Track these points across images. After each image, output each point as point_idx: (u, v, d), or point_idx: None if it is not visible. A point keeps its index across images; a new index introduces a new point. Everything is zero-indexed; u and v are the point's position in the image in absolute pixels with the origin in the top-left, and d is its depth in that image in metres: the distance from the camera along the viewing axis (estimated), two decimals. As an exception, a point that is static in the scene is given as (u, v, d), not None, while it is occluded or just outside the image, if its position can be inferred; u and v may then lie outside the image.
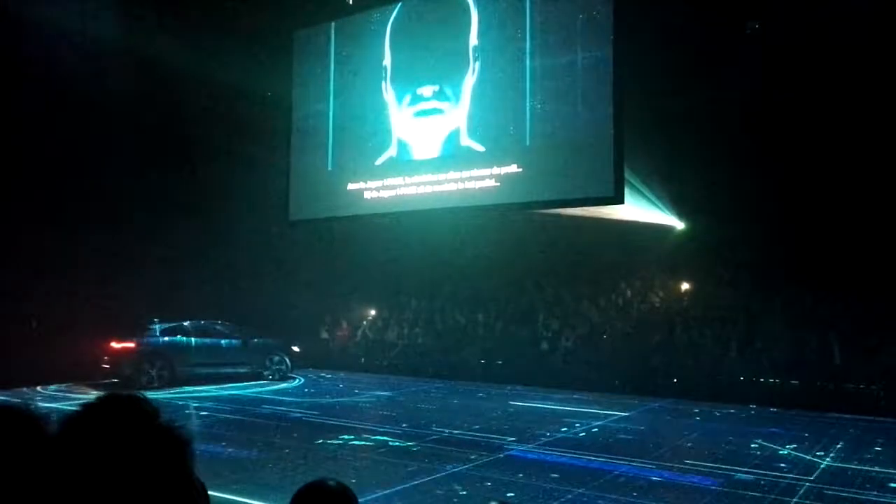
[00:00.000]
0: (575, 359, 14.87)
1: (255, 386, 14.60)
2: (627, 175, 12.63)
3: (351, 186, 14.74)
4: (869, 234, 12.25)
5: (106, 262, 14.44)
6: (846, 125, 12.36)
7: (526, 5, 12.60)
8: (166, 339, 14.29)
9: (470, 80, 13.17)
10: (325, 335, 18.50)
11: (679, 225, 15.92)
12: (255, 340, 15.34)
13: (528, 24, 12.58)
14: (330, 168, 15.21)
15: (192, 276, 15.60)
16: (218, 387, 14.08)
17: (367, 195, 14.53)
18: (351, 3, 15.06)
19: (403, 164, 14.08)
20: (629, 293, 16.22)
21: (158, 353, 13.97)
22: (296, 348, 16.04)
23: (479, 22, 13.15)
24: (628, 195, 12.70)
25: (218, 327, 15.33)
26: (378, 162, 14.40)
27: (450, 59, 13.46)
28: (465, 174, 13.16)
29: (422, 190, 13.75)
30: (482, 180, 12.95)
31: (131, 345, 13.68)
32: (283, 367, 15.60)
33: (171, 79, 14.52)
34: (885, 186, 12.23)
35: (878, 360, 12.06)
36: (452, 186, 13.34)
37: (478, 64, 13.11)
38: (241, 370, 14.97)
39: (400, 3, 14.27)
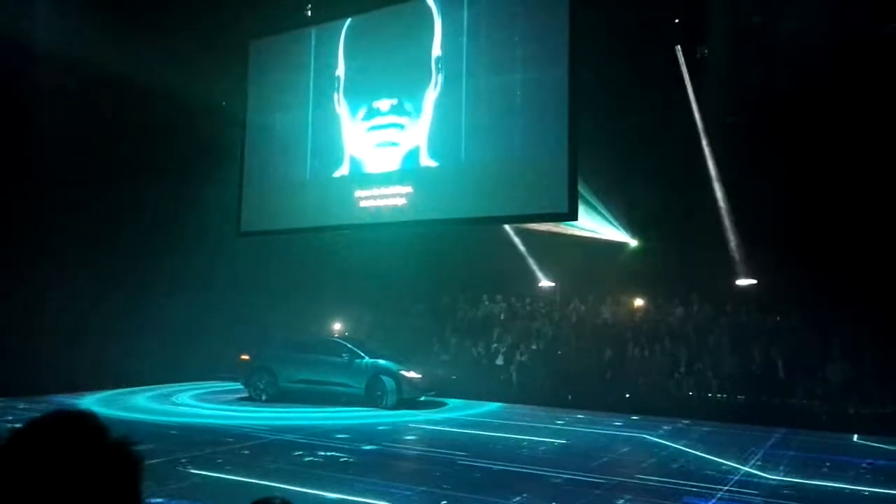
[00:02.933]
0: (529, 373, 14.98)
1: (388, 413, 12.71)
2: (582, 191, 12.85)
3: (304, 198, 14.61)
4: (814, 252, 12.69)
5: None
6: (795, 144, 12.82)
7: (482, 20, 12.75)
8: (276, 353, 14.28)
9: (432, 94, 13.20)
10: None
11: (632, 242, 16.24)
12: (364, 360, 13.60)
13: (483, 39, 12.72)
14: (283, 179, 15.06)
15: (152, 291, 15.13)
16: (339, 410, 12.93)
17: (320, 207, 14.43)
18: (309, 13, 15.01)
19: (357, 177, 14.02)
20: (583, 309, 16.43)
21: (265, 367, 14.11)
22: (413, 373, 13.44)
23: (443, 33, 13.20)
24: (582, 212, 12.90)
25: (335, 343, 14.43)
26: (334, 174, 14.32)
27: (410, 70, 13.47)
28: (420, 189, 13.18)
29: (374, 203, 13.71)
30: (437, 195, 12.98)
31: (246, 357, 14.52)
32: (391, 392, 13.19)
33: (120, 88, 14.14)
34: (832, 206, 12.71)
35: (818, 375, 12.49)
36: (406, 200, 13.33)
37: (440, 77, 13.13)
38: (343, 390, 13.55)
39: (359, 14, 14.28)
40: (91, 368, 14.19)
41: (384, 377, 13.29)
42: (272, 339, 15.17)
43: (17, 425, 1.24)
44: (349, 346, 14.08)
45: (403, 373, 13.33)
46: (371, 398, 13.24)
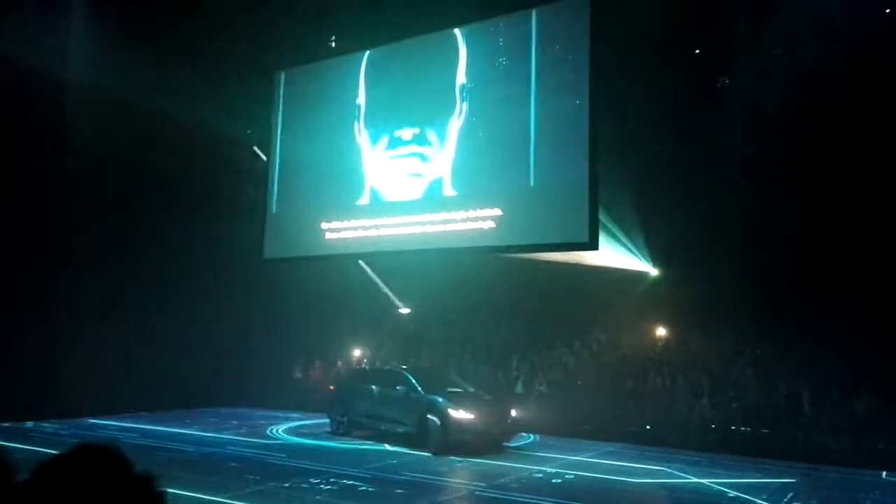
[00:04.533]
0: (548, 403, 14.81)
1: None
2: (602, 220, 12.84)
3: (325, 226, 14.78)
4: (838, 285, 12.52)
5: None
6: (819, 176, 12.73)
7: (505, 50, 12.91)
8: (350, 382, 13.95)
9: (455, 124, 13.33)
10: (298, 375, 18.25)
11: (653, 271, 16.12)
12: (419, 394, 12.06)
13: (512, 69, 12.85)
14: (306, 208, 15.27)
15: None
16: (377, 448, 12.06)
17: (341, 235, 14.59)
18: (333, 45, 15.32)
19: (380, 205, 14.17)
20: (603, 338, 16.29)
21: (341, 399, 13.68)
22: (462, 413, 11.51)
23: (468, 63, 13.37)
24: (603, 241, 12.88)
25: (396, 373, 13.03)
26: (358, 202, 14.50)
27: (434, 98, 13.64)
28: (442, 216, 13.28)
29: (397, 231, 13.83)
30: (459, 223, 13.07)
31: (332, 388, 14.61)
32: (435, 434, 11.54)
33: (149, 118, 14.50)
34: (854, 238, 12.57)
35: (845, 410, 12.21)
36: (429, 229, 13.43)
37: (465, 105, 13.26)
38: (397, 428, 12.27)
39: (381, 45, 14.56)
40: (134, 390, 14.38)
41: (431, 416, 11.68)
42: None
43: (45, 459, 1.30)
44: (409, 376, 12.60)
45: (451, 412, 11.53)
46: (420, 439, 11.78)
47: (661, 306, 15.47)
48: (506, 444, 11.98)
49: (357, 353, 18.53)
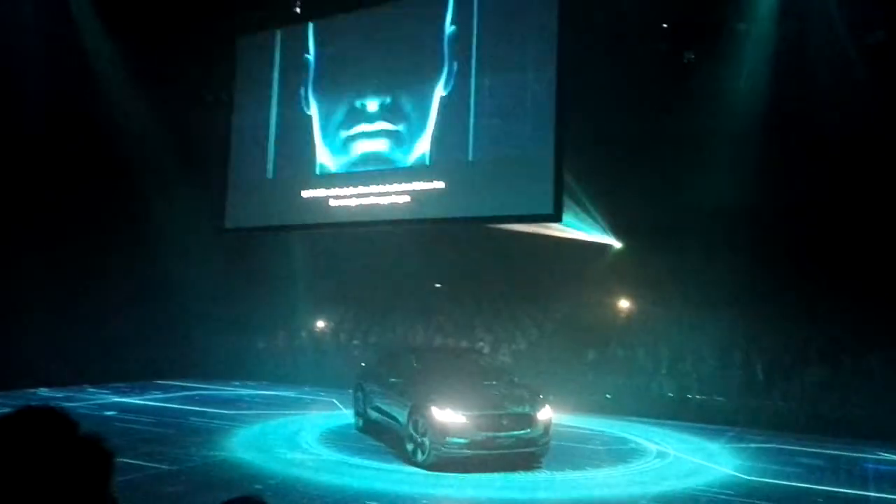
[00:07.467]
0: (512, 373, 14.98)
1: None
2: (567, 193, 12.89)
3: (290, 195, 14.57)
4: (796, 260, 12.86)
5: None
6: (782, 152, 12.96)
7: (474, 21, 12.74)
8: (371, 370, 11.17)
9: (423, 92, 13.14)
10: (259, 345, 18.15)
11: (616, 244, 16.31)
12: (414, 386, 9.31)
13: (474, 41, 12.72)
14: (269, 177, 15.02)
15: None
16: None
17: (305, 205, 14.40)
18: (298, 11, 14.95)
19: (342, 175, 14.00)
20: (566, 310, 16.49)
21: (361, 387, 10.99)
22: (449, 413, 8.43)
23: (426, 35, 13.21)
24: (567, 214, 12.96)
25: (403, 358, 10.66)
26: (318, 172, 14.31)
27: (401, 68, 13.46)
28: (406, 187, 13.18)
29: (361, 202, 13.69)
30: (423, 194, 13.00)
31: (363, 365, 12.35)
32: (419, 442, 8.66)
33: (103, 83, 14.04)
34: (819, 215, 12.90)
35: (796, 379, 12.64)
36: (392, 199, 13.34)
37: (434, 75, 13.03)
38: (396, 428, 9.54)
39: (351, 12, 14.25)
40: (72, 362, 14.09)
41: (416, 418, 8.79)
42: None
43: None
44: (413, 360, 10.16)
45: (434, 410, 8.52)
46: (413, 447, 8.79)
47: (624, 279, 15.70)
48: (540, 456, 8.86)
49: (320, 324, 18.47)
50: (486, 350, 15.60)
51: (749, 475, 8.58)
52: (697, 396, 13.33)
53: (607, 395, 13.83)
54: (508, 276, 16.94)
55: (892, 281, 12.10)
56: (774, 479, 8.38)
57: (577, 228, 15.60)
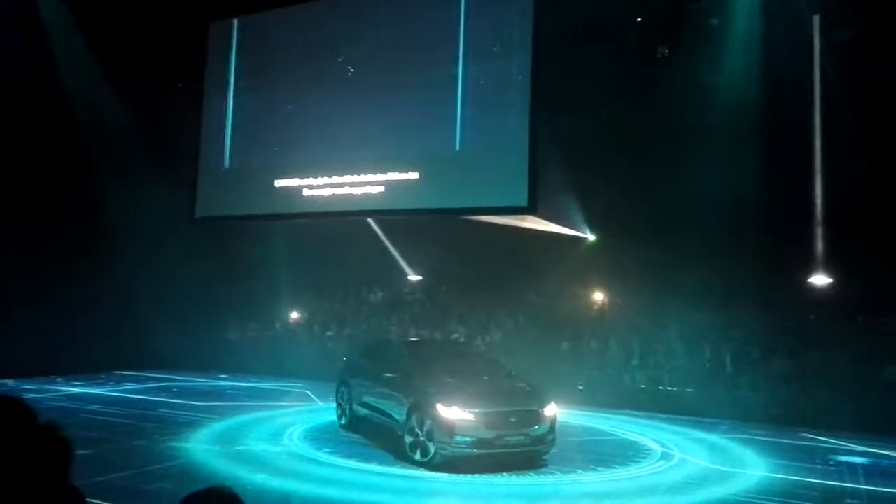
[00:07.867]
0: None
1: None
2: (542, 186, 12.93)
3: (263, 184, 14.41)
4: (764, 255, 13.09)
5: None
6: (755, 146, 13.15)
7: (461, 10, 12.62)
8: (356, 361, 10.84)
9: (397, 81, 13.00)
10: (231, 336, 17.98)
11: (590, 237, 16.43)
12: (412, 380, 8.92)
13: (461, 31, 12.62)
14: (240, 166, 14.84)
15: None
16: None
17: (277, 193, 14.25)
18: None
19: (317, 164, 13.86)
20: (540, 302, 16.59)
21: (345, 381, 10.66)
22: (456, 410, 8.13)
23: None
24: (541, 206, 12.99)
25: (397, 350, 10.38)
26: (291, 161, 14.15)
27: (376, 55, 13.32)
28: (381, 177, 13.10)
29: (334, 192, 13.56)
30: (397, 184, 12.93)
31: (343, 359, 11.85)
32: (420, 440, 8.35)
33: (76, 69, 13.73)
34: (788, 210, 13.13)
35: (763, 370, 12.88)
36: (366, 189, 13.25)
37: (408, 64, 12.90)
38: (390, 425, 9.14)
39: None
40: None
41: (417, 415, 8.49)
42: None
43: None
44: (407, 354, 9.80)
45: (441, 408, 8.20)
46: (413, 444, 8.46)
47: (597, 271, 15.83)
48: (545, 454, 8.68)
49: (294, 315, 18.34)
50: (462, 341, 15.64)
51: (725, 466, 8.77)
52: (668, 388, 13.52)
53: (580, 387, 13.95)
54: (483, 268, 16.98)
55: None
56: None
57: (551, 221, 15.67)
